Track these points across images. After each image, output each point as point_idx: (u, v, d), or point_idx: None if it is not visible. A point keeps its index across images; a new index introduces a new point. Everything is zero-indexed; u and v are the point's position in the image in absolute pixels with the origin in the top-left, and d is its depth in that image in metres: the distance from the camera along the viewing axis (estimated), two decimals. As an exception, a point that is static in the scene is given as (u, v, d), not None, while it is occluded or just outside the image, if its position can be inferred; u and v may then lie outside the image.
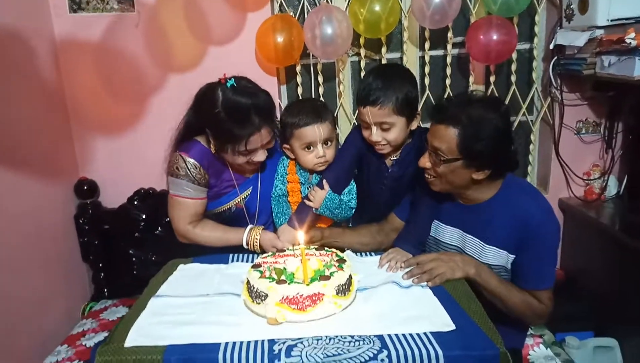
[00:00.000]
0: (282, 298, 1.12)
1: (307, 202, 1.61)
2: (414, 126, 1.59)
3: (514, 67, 2.36)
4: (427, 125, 1.45)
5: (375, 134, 1.54)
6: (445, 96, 2.40)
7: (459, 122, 1.30)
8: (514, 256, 1.39)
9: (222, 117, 1.48)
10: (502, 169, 1.38)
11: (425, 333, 1.06)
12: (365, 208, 1.81)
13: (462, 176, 1.36)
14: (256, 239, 1.60)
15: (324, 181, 1.61)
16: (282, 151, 1.70)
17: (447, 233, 1.51)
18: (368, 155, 1.69)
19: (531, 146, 2.51)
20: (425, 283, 1.30)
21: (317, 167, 1.61)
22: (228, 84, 1.50)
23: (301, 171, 1.69)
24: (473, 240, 1.44)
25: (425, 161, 1.40)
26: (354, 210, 1.69)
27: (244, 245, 1.62)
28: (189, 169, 1.57)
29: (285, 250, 1.47)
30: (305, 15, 2.24)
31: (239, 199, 1.67)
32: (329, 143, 1.61)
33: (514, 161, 1.39)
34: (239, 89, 1.50)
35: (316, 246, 1.38)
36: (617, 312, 2.09)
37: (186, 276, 1.42)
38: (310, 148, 1.59)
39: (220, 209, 1.68)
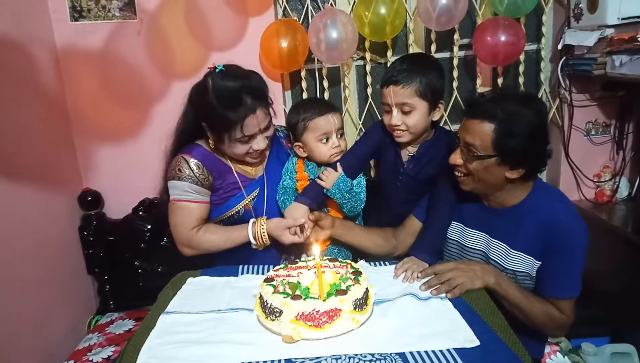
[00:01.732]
0: (298, 314, 1.08)
1: (318, 181, 1.58)
2: (435, 116, 1.58)
3: (521, 68, 2.32)
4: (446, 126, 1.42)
5: (395, 117, 1.53)
6: (453, 97, 2.37)
7: (494, 118, 1.27)
8: (540, 262, 1.34)
9: (214, 104, 1.44)
10: (536, 168, 1.34)
11: (448, 350, 1.02)
12: (380, 208, 1.78)
13: (496, 175, 1.32)
14: (263, 229, 1.54)
15: (338, 163, 1.59)
16: (291, 148, 1.69)
17: (471, 237, 1.47)
18: (385, 149, 1.69)
19: (540, 148, 2.47)
20: (444, 295, 1.26)
21: (333, 158, 1.62)
22: (217, 70, 1.48)
23: (309, 168, 1.67)
24: (499, 245, 1.40)
25: (456, 158, 1.36)
26: (363, 204, 1.66)
27: (251, 239, 1.56)
28: (192, 170, 1.53)
29: (300, 228, 1.50)
30: (310, 20, 2.20)
31: (246, 201, 1.62)
32: (341, 134, 1.63)
33: (545, 160, 1.36)
34: (227, 73, 1.48)
35: (329, 258, 1.34)
36: (633, 316, 2.05)
37: (196, 290, 1.38)
38: (325, 140, 1.59)
39: (229, 214, 1.62)
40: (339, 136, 1.62)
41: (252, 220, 1.58)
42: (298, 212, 1.54)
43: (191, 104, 1.55)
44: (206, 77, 1.49)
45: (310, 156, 1.65)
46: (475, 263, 1.36)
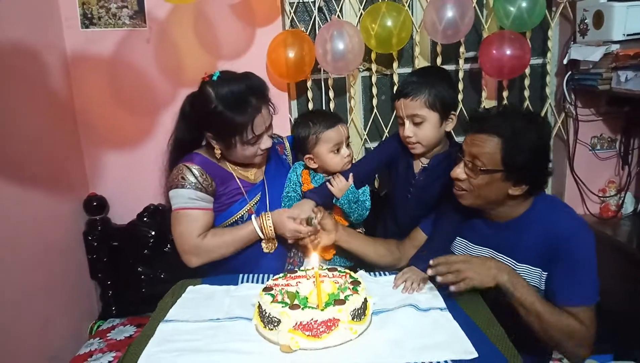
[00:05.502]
0: (296, 324, 1.09)
1: (329, 186, 1.61)
2: (448, 127, 1.61)
3: (527, 82, 2.32)
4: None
5: (407, 129, 1.57)
6: (458, 110, 2.37)
7: (502, 133, 1.27)
8: (547, 273, 1.32)
9: (220, 110, 1.44)
10: (538, 185, 1.34)
11: (446, 362, 1.02)
12: (389, 219, 1.78)
13: (498, 191, 1.31)
14: (268, 218, 1.54)
15: (350, 174, 1.62)
16: (296, 156, 1.74)
17: (476, 254, 1.45)
18: (398, 159, 1.71)
19: (545, 162, 2.47)
20: (444, 306, 1.25)
21: (345, 166, 1.66)
22: (214, 78, 1.47)
23: (316, 178, 1.68)
24: (504, 260, 1.38)
25: (460, 172, 1.34)
26: (367, 212, 1.68)
27: (258, 232, 1.55)
28: (196, 177, 1.52)
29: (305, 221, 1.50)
30: (317, 31, 2.23)
31: (249, 206, 1.62)
32: (348, 143, 1.67)
33: (547, 178, 1.35)
34: (226, 78, 1.47)
35: (328, 267, 1.34)
36: (637, 333, 2.03)
37: (195, 298, 1.39)
38: (336, 150, 1.63)
39: (233, 220, 1.61)
40: (347, 146, 1.66)
41: (253, 216, 1.58)
42: (306, 205, 1.57)
43: (187, 120, 1.55)
44: (204, 85, 1.47)
45: (321, 167, 1.68)
46: (490, 259, 1.31)
